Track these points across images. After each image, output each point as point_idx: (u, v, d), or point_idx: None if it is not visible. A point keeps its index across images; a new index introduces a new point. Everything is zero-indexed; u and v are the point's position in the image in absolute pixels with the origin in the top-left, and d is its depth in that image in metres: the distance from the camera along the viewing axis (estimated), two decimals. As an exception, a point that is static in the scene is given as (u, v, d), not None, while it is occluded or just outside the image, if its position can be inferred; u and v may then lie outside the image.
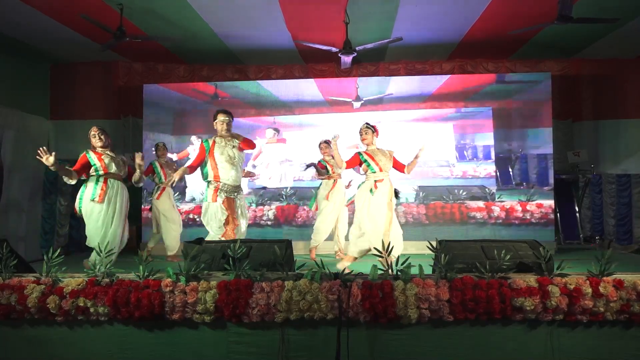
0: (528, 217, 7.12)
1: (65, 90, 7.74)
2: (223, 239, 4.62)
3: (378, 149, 5.00)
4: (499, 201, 7.18)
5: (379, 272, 3.10)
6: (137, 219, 7.62)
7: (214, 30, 6.47)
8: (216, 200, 4.76)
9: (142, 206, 7.47)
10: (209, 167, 4.82)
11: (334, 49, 6.15)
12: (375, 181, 4.82)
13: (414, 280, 2.98)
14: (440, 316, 2.93)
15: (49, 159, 4.33)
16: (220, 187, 4.77)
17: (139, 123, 7.82)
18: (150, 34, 6.35)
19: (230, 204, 4.80)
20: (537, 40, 6.83)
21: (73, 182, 4.70)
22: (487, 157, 7.46)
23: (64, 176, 4.67)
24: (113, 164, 4.77)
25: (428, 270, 3.24)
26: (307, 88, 7.64)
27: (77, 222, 7.64)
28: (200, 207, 7.25)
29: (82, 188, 4.77)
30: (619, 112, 7.54)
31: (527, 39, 6.83)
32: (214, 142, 4.85)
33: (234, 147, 4.87)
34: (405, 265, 3.09)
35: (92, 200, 4.63)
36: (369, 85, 7.57)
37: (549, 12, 5.20)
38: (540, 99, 7.29)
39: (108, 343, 3.14)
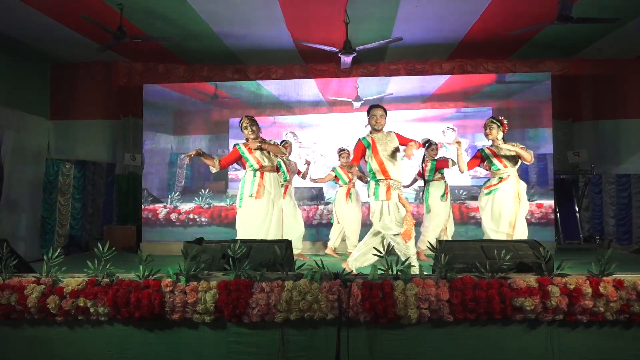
0: (528, 217, 7.06)
1: (65, 90, 7.74)
2: (400, 237, 4.53)
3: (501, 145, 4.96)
4: (499, 201, 7.17)
5: (379, 272, 3.10)
6: (137, 219, 7.63)
7: (214, 30, 6.47)
8: (391, 198, 4.54)
9: (143, 206, 7.46)
10: (374, 165, 4.59)
11: (334, 49, 6.14)
12: (501, 179, 4.93)
13: (414, 280, 2.98)
14: (440, 316, 2.93)
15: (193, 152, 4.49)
16: (391, 184, 4.57)
17: (139, 123, 7.81)
18: (150, 34, 6.35)
19: (402, 201, 4.66)
20: (537, 40, 6.83)
21: (215, 170, 4.70)
22: (487, 157, 7.44)
23: (207, 163, 4.69)
24: (265, 157, 4.69)
25: (428, 271, 3.24)
26: (307, 88, 7.63)
27: (77, 222, 7.67)
28: (200, 207, 7.38)
29: (241, 184, 4.71)
30: (619, 112, 7.53)
31: (527, 39, 6.82)
32: (373, 139, 4.63)
33: (391, 142, 4.65)
34: (405, 265, 3.09)
35: (250, 196, 4.57)
36: (369, 85, 7.57)
37: (549, 12, 5.20)
38: (540, 99, 7.29)
39: (108, 343, 3.14)
